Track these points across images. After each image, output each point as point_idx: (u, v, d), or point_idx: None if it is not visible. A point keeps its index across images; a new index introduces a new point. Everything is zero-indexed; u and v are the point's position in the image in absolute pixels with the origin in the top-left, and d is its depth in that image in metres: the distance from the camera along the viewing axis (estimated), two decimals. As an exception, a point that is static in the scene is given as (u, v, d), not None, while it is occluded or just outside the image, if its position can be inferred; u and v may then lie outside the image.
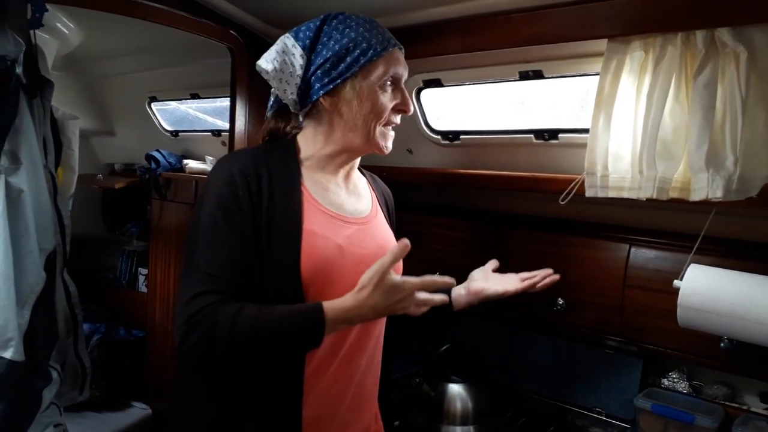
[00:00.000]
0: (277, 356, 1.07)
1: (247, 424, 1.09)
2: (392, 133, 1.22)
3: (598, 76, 1.34)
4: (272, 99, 1.26)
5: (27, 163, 1.28)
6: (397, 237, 1.34)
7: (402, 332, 1.36)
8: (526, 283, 1.39)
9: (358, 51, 1.12)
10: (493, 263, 1.45)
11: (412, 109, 1.21)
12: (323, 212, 1.15)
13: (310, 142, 1.21)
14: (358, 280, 1.09)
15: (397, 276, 1.05)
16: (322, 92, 1.14)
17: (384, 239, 1.26)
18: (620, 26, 1.29)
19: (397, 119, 1.21)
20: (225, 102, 2.39)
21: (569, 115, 1.62)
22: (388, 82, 1.16)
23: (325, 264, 1.11)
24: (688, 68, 1.23)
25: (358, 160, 1.27)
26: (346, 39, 1.12)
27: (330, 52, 1.12)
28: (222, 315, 1.01)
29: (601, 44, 1.33)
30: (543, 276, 1.40)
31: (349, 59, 1.12)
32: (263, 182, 1.11)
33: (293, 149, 1.21)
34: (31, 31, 1.34)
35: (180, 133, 2.82)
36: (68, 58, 2.36)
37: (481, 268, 1.45)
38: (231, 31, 1.82)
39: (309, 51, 1.14)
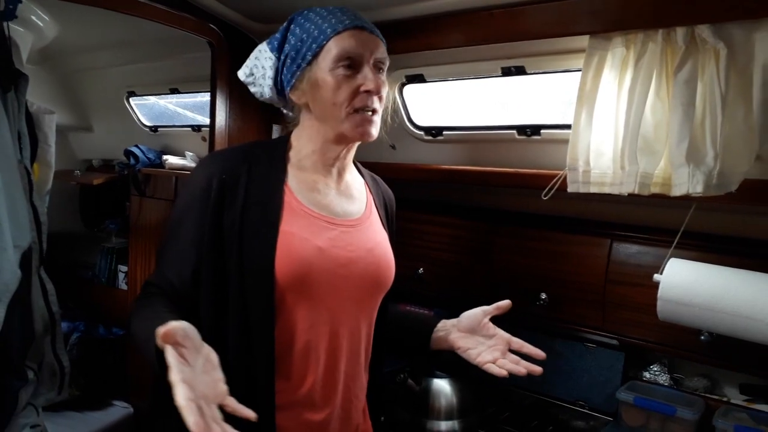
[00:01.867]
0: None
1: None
2: (373, 118, 1.11)
3: (580, 73, 1.35)
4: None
5: (1, 158, 1.25)
6: (395, 240, 1.33)
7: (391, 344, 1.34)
8: (504, 371, 1.20)
9: (311, 39, 1.09)
10: (497, 307, 1.24)
11: (379, 88, 1.10)
12: (305, 213, 1.13)
13: (298, 140, 1.19)
14: (339, 283, 1.12)
15: (174, 357, 0.86)
16: (288, 89, 1.14)
17: (374, 242, 1.21)
18: (602, 22, 1.29)
19: (371, 102, 1.10)
20: (205, 97, 2.36)
21: (552, 111, 1.63)
22: (342, 64, 1.08)
23: (301, 265, 1.08)
24: (668, 64, 1.24)
25: (348, 159, 1.21)
26: (301, 31, 1.11)
27: (289, 48, 1.12)
28: (132, 306, 1.11)
29: (583, 40, 1.33)
30: (526, 369, 1.20)
31: (303, 49, 1.10)
32: (240, 183, 1.10)
33: (283, 148, 1.19)
34: (4, 23, 1.30)
35: (159, 129, 2.78)
36: (44, 52, 2.31)
37: (481, 311, 1.25)
38: (211, 25, 1.79)
39: (278, 52, 1.14)
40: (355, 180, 1.27)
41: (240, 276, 1.07)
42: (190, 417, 0.79)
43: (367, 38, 1.10)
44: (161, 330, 0.85)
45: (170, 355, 0.85)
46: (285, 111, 1.24)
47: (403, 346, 1.34)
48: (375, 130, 1.13)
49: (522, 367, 1.17)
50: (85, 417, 2.52)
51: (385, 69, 1.15)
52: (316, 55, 1.09)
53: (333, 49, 1.08)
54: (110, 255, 3.01)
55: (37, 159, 1.54)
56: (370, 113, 1.11)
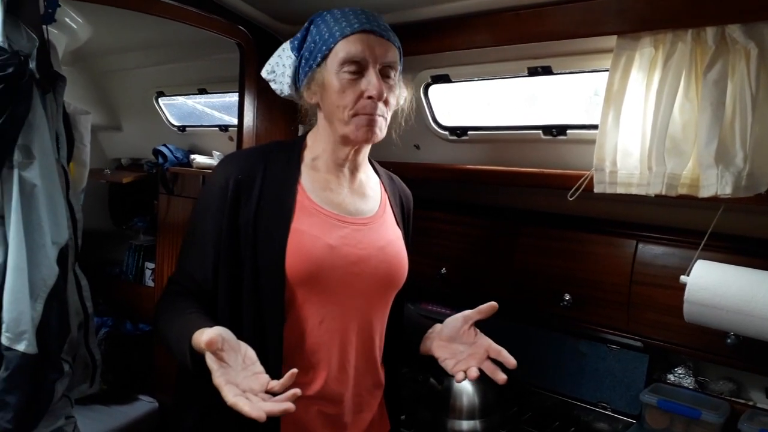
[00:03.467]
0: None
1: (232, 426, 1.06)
2: (376, 121, 1.11)
3: (607, 73, 1.35)
4: None
5: (40, 157, 1.29)
6: (411, 238, 1.35)
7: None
8: (470, 375, 1.13)
9: (321, 42, 1.11)
10: (479, 311, 1.18)
11: (384, 95, 1.10)
12: (318, 211, 1.15)
13: (313, 140, 1.22)
14: (350, 281, 1.14)
15: (215, 361, 0.92)
16: (301, 86, 1.17)
17: (386, 241, 1.22)
18: (630, 23, 1.29)
19: (374, 108, 1.10)
20: (233, 97, 2.40)
21: (578, 111, 1.63)
22: (347, 68, 1.09)
23: (311, 263, 1.10)
24: (698, 65, 1.24)
25: (361, 158, 1.22)
26: (316, 32, 1.13)
27: (305, 49, 1.15)
28: (158, 304, 1.17)
29: (611, 41, 1.34)
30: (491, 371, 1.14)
31: (315, 50, 1.12)
32: (256, 183, 1.13)
33: (299, 148, 1.22)
34: (44, 27, 1.34)
35: (187, 128, 2.82)
36: (76, 53, 2.36)
37: (462, 317, 1.20)
38: (240, 27, 1.82)
39: (297, 51, 1.17)
40: (369, 178, 1.28)
41: (254, 273, 1.10)
42: (244, 407, 0.86)
43: (376, 42, 1.10)
44: (203, 339, 0.91)
45: (211, 360, 0.91)
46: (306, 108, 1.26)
47: (402, 349, 1.33)
48: (379, 133, 1.13)
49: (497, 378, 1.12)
50: (111, 411, 2.56)
51: (396, 73, 1.15)
52: (325, 57, 1.11)
53: (340, 52, 1.09)
54: (138, 252, 3.05)
55: (73, 158, 1.58)
56: (372, 117, 1.11)
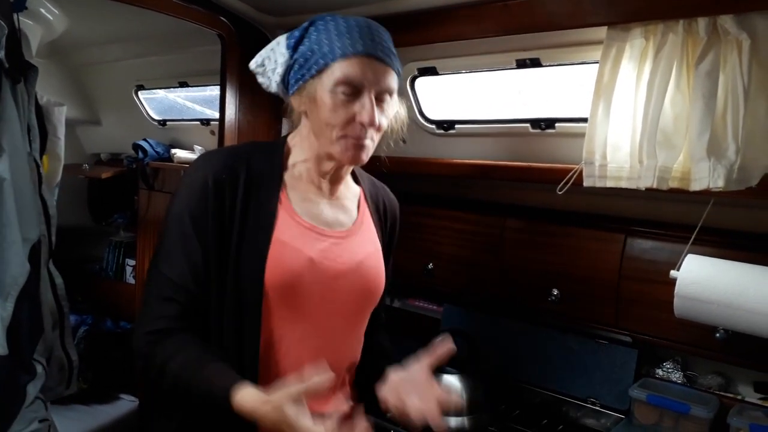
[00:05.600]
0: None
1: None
2: (365, 143, 1.07)
3: (597, 65, 1.32)
4: None
5: (10, 150, 1.23)
6: (393, 248, 1.30)
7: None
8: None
9: (319, 53, 1.06)
10: (437, 357, 1.10)
11: (377, 123, 1.05)
12: (298, 223, 1.11)
13: (294, 146, 1.17)
14: (329, 296, 1.10)
15: (296, 416, 0.90)
16: (291, 91, 1.12)
17: (364, 254, 1.17)
18: (620, 13, 1.27)
19: (364, 133, 1.06)
20: (214, 91, 2.35)
21: (567, 104, 1.60)
22: (343, 88, 1.04)
23: (292, 277, 1.06)
24: (689, 56, 1.22)
25: (345, 171, 1.17)
26: (316, 39, 1.07)
27: (302, 51, 1.09)
28: (159, 354, 1.02)
29: (601, 32, 1.31)
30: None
31: (311, 60, 1.07)
32: (239, 186, 1.08)
33: (280, 152, 1.16)
34: (15, 14, 1.29)
35: (168, 122, 2.76)
36: (52, 45, 2.29)
37: (420, 366, 1.10)
38: (221, 18, 1.77)
39: (292, 51, 1.11)
40: (348, 188, 1.23)
41: (236, 281, 1.06)
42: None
43: (376, 68, 1.05)
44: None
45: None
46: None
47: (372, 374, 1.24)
48: (365, 157, 1.10)
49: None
50: (92, 410, 2.52)
51: (392, 98, 1.10)
52: (321, 71, 1.06)
53: (337, 71, 1.05)
54: (118, 249, 3.00)
55: (47, 151, 1.53)
56: (361, 141, 1.07)
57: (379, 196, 1.29)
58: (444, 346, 1.09)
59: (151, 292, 1.07)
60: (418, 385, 1.07)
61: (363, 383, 1.23)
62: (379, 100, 1.07)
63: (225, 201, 1.06)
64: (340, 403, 1.19)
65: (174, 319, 1.04)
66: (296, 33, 1.12)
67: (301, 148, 1.15)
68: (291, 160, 1.16)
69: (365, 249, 1.18)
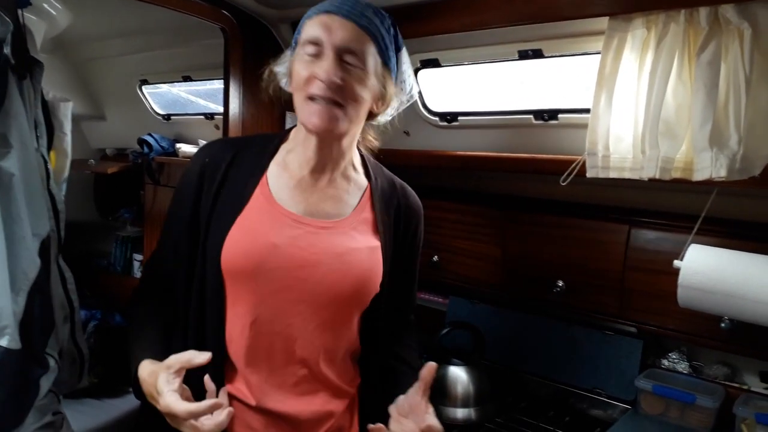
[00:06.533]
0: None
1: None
2: (329, 108, 1.02)
3: (599, 55, 1.32)
4: None
5: (18, 146, 1.24)
6: (410, 256, 1.25)
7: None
8: None
9: (297, 29, 1.10)
10: (426, 384, 1.07)
11: (333, 79, 1.00)
12: (273, 207, 1.09)
13: (293, 136, 1.18)
14: (292, 284, 1.07)
15: (163, 383, 0.94)
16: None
17: (347, 249, 1.11)
18: (621, 3, 1.26)
19: (321, 91, 1.01)
20: (218, 84, 2.36)
21: (569, 95, 1.60)
22: (306, 48, 1.03)
23: (246, 259, 1.06)
24: (691, 46, 1.21)
25: (336, 154, 1.13)
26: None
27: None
28: (133, 314, 1.20)
29: (602, 22, 1.31)
30: None
31: (294, 38, 1.11)
32: (220, 171, 1.12)
33: (279, 140, 1.19)
34: (19, 11, 1.30)
35: (172, 117, 2.77)
36: (56, 41, 2.30)
37: (415, 393, 1.07)
38: (224, 11, 1.77)
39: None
40: (352, 181, 1.18)
41: (202, 262, 1.11)
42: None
43: (338, 24, 1.03)
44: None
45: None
46: None
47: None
48: (337, 124, 1.04)
49: None
50: (102, 404, 2.54)
51: (366, 61, 1.05)
52: (296, 41, 1.08)
53: (302, 34, 1.06)
54: (125, 244, 3.02)
55: (54, 147, 1.53)
56: (325, 104, 1.02)
57: (394, 196, 1.22)
58: (428, 369, 1.06)
59: (148, 263, 1.27)
60: (420, 417, 1.05)
61: (374, 402, 1.18)
62: (342, 59, 1.03)
63: (204, 186, 1.12)
64: (324, 402, 1.15)
65: (146, 289, 1.21)
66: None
67: (296, 136, 1.16)
68: (286, 147, 1.17)
69: (352, 244, 1.13)
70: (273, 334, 1.09)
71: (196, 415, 0.91)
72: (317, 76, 1.01)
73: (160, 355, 1.01)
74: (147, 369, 1.02)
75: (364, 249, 1.14)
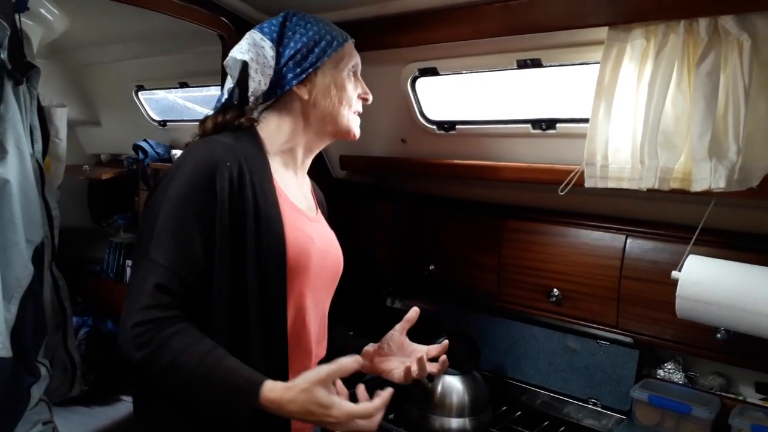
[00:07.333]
0: (200, 408, 0.99)
1: None
2: (359, 120, 1.28)
3: (598, 65, 1.33)
4: (224, 94, 1.22)
5: (13, 152, 1.23)
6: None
7: None
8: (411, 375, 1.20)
9: (324, 42, 1.19)
10: (407, 320, 1.27)
11: (371, 98, 1.28)
12: (291, 206, 1.18)
13: (274, 135, 1.21)
14: (320, 272, 1.19)
15: (327, 396, 0.95)
16: (295, 82, 1.18)
17: (331, 236, 1.30)
18: (621, 14, 1.27)
19: (360, 107, 1.27)
20: (214, 91, 2.35)
21: (567, 105, 1.61)
22: (353, 71, 1.25)
23: (302, 254, 1.14)
24: (690, 56, 1.22)
25: (310, 159, 1.29)
26: (311, 32, 1.19)
27: (299, 44, 1.18)
28: (171, 343, 0.96)
29: (602, 32, 1.31)
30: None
31: (317, 50, 1.19)
32: (244, 171, 1.08)
33: (258, 142, 1.18)
34: (17, 15, 1.29)
35: (168, 123, 2.76)
36: (52, 46, 2.29)
37: (398, 330, 1.28)
38: (222, 18, 1.77)
39: (277, 44, 1.19)
40: (305, 177, 1.33)
41: (257, 263, 1.07)
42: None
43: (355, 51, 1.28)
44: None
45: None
46: (246, 107, 1.20)
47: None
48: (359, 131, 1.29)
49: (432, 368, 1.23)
50: (93, 412, 2.51)
51: None
52: (332, 56, 1.20)
53: (346, 56, 1.23)
54: (118, 250, 3.00)
55: (49, 153, 1.52)
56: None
57: (316, 188, 1.39)
58: (413, 311, 1.26)
59: (141, 281, 0.99)
60: (407, 352, 1.26)
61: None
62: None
63: (234, 184, 1.06)
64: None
65: (167, 308, 0.98)
66: (272, 28, 1.19)
67: (280, 136, 1.21)
68: (270, 149, 1.19)
69: (330, 232, 1.31)
70: (317, 320, 1.22)
71: (381, 408, 0.99)
72: (366, 97, 1.28)
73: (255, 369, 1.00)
74: (281, 392, 0.95)
75: (334, 235, 1.32)
